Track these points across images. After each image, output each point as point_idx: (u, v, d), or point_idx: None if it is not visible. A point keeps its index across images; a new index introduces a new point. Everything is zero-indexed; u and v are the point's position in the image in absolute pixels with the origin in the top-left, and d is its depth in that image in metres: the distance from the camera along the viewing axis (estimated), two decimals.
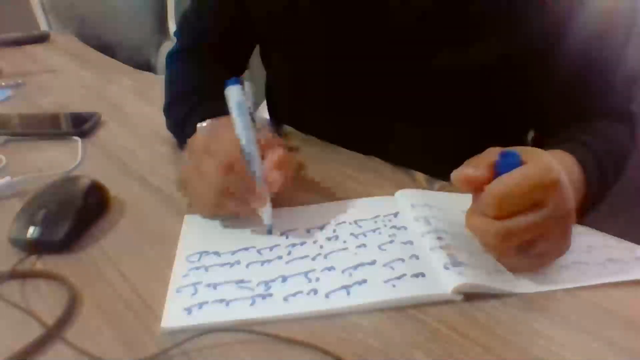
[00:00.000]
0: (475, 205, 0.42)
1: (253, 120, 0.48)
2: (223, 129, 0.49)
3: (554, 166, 0.40)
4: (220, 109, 0.52)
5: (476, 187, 0.41)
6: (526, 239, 0.40)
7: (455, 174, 0.42)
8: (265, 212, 0.48)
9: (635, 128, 0.62)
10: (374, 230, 0.49)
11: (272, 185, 0.48)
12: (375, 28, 0.63)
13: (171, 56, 0.77)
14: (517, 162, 0.40)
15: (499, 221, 0.39)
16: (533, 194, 0.39)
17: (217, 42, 0.75)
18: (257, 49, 0.80)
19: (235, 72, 0.79)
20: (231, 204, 0.48)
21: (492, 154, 0.42)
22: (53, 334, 0.38)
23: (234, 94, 0.48)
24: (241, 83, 0.49)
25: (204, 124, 0.55)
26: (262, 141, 0.50)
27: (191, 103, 0.64)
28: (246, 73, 0.82)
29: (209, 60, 0.74)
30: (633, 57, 0.61)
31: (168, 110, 0.70)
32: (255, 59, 0.82)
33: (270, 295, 0.41)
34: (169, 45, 1.36)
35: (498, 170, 0.40)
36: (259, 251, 0.46)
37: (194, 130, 0.55)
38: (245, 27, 0.74)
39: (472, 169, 0.41)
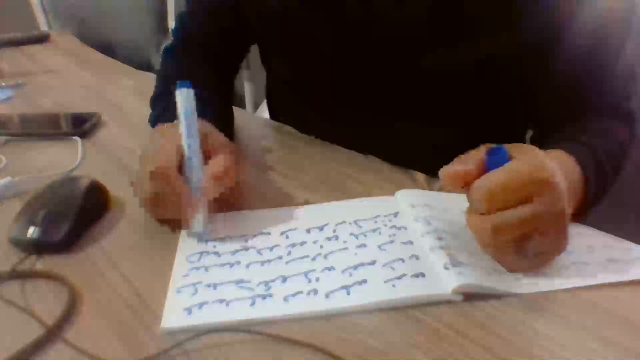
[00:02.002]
0: (470, 204, 0.42)
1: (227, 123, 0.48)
2: (169, 134, 0.49)
3: (545, 163, 0.40)
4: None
5: (466, 184, 0.41)
6: (516, 235, 0.40)
7: (443, 170, 0.42)
8: (197, 220, 0.47)
9: (634, 126, 0.62)
10: (374, 230, 0.49)
11: (208, 193, 0.47)
12: (371, 28, 0.63)
13: (165, 51, 0.78)
14: (504, 158, 0.40)
15: (486, 216, 0.40)
16: (521, 190, 0.39)
17: (210, 42, 0.75)
18: (257, 50, 0.80)
19: (228, 73, 0.79)
20: (164, 210, 0.48)
21: (483, 150, 0.42)
22: (53, 334, 0.38)
23: (182, 98, 0.47)
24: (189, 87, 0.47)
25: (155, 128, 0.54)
26: (211, 146, 0.49)
27: (165, 103, 0.65)
28: (246, 73, 0.82)
29: (201, 60, 0.74)
30: (631, 55, 0.60)
31: (152, 105, 0.70)
32: (256, 60, 0.82)
33: (270, 295, 0.41)
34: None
35: (486, 166, 0.41)
36: (259, 251, 0.46)
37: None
38: (240, 29, 0.74)
39: (459, 165, 0.42)
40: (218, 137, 0.52)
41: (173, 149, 0.47)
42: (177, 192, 0.46)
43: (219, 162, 0.48)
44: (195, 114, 0.48)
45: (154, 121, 0.65)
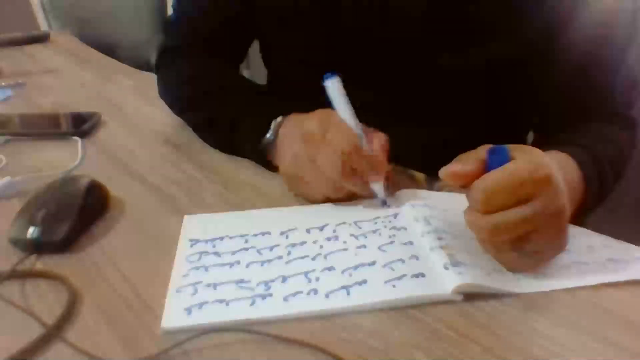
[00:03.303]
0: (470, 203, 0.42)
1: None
2: (331, 120, 0.52)
3: (544, 162, 0.40)
4: (278, 107, 0.58)
5: (466, 183, 0.41)
6: (516, 235, 0.40)
7: (444, 170, 0.42)
8: (380, 187, 0.52)
9: (635, 132, 0.62)
10: (374, 231, 0.49)
11: (383, 164, 0.52)
12: (376, 29, 0.63)
13: (168, 52, 0.77)
14: (505, 158, 0.40)
15: (486, 215, 0.40)
16: (521, 189, 0.39)
17: (214, 37, 0.75)
18: (257, 50, 0.80)
19: (233, 65, 0.79)
20: (353, 185, 0.51)
21: (484, 150, 0.42)
22: (53, 334, 0.38)
23: (337, 85, 0.53)
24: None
25: (278, 120, 0.58)
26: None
27: (233, 101, 0.66)
28: (246, 71, 0.82)
29: (209, 55, 0.74)
30: (633, 62, 0.61)
31: (195, 107, 0.71)
32: (256, 60, 0.82)
33: (270, 295, 0.41)
34: None
35: (487, 166, 0.41)
36: (259, 251, 0.46)
37: (259, 127, 0.58)
38: (242, 22, 0.74)
39: (460, 164, 0.42)
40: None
41: (349, 129, 0.51)
42: (370, 162, 0.50)
43: (380, 136, 0.53)
44: (347, 98, 0.52)
45: (228, 125, 0.65)
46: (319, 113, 0.54)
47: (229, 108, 0.65)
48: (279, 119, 0.58)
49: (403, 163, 0.63)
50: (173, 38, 0.78)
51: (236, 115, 0.63)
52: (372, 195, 0.53)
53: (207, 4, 0.75)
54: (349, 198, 0.53)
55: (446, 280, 0.41)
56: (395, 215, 0.51)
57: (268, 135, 0.58)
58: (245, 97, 0.67)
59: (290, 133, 0.55)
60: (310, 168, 0.51)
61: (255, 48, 0.80)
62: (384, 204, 0.53)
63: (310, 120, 0.53)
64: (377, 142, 0.52)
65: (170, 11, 1.69)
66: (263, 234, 0.49)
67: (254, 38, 0.79)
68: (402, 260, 0.44)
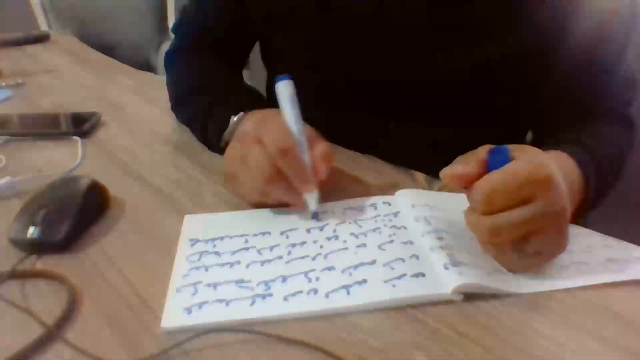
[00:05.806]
0: (471, 204, 0.42)
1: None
2: (270, 121, 0.51)
3: (545, 163, 0.40)
4: (246, 103, 0.56)
5: (467, 184, 0.41)
6: (517, 235, 0.40)
7: (444, 171, 0.42)
8: (312, 198, 0.50)
9: (634, 131, 0.63)
10: (374, 230, 0.49)
11: (320, 173, 0.50)
12: (373, 29, 0.63)
13: (172, 53, 0.78)
14: (506, 159, 0.40)
15: (487, 217, 0.40)
16: (522, 189, 0.39)
17: (217, 39, 0.76)
18: (257, 49, 0.80)
19: (236, 67, 0.79)
20: (279, 191, 0.49)
21: (484, 151, 0.42)
22: (53, 334, 0.38)
23: (286, 87, 0.52)
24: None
25: (235, 118, 0.57)
26: (307, 135, 0.52)
27: (211, 97, 0.66)
28: (246, 73, 0.82)
29: (211, 56, 0.75)
30: (632, 61, 0.61)
31: (182, 104, 0.71)
32: (256, 60, 0.82)
33: (270, 295, 0.41)
34: (169, 45, 1.37)
35: (488, 166, 0.41)
36: (259, 251, 0.46)
37: (221, 123, 0.57)
38: (245, 25, 0.74)
39: (460, 166, 0.42)
40: (308, 127, 0.54)
41: (285, 131, 0.49)
42: (301, 170, 0.49)
43: (323, 145, 0.51)
44: (297, 102, 0.51)
45: (201, 119, 0.66)
46: (263, 112, 0.53)
47: (205, 105, 0.66)
48: (238, 116, 0.57)
49: (403, 163, 0.63)
50: (177, 40, 0.79)
51: (208, 112, 0.64)
52: (302, 206, 0.50)
53: (209, 8, 0.75)
54: (282, 205, 0.51)
55: (446, 280, 0.41)
56: (396, 214, 0.51)
57: (225, 133, 0.57)
58: (222, 94, 0.67)
59: (237, 132, 0.54)
60: (242, 168, 0.50)
61: (255, 50, 0.80)
62: (315, 217, 0.50)
63: (250, 120, 0.53)
64: (318, 151, 0.51)
65: (170, 11, 1.69)
66: (263, 233, 0.49)
67: (254, 41, 0.79)
68: (402, 260, 0.44)
